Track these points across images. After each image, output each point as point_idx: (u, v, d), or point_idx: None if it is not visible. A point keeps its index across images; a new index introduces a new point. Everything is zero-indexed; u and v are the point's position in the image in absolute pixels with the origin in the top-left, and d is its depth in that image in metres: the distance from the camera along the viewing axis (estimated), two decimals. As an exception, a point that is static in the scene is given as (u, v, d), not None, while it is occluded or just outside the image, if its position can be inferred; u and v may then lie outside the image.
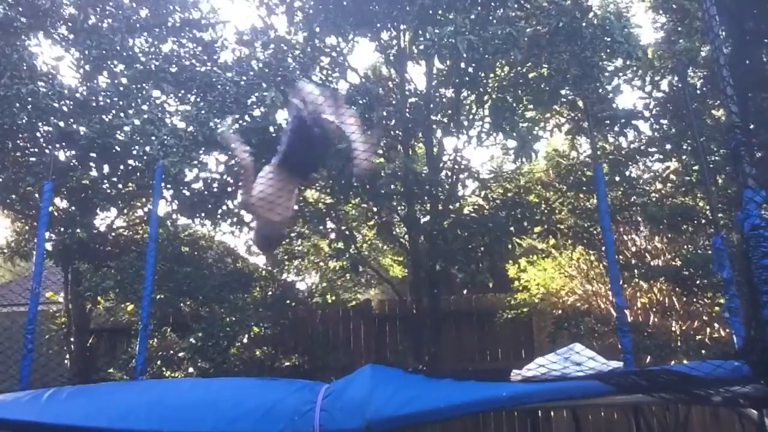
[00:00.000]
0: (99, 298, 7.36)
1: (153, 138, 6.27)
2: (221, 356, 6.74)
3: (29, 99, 6.36)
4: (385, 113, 6.35)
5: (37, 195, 6.88)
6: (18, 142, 7.04)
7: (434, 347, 7.01)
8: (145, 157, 6.48)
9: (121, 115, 6.83)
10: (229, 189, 7.17)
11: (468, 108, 7.22)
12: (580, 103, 6.70)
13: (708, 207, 5.87)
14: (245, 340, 7.33)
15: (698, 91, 6.74)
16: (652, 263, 7.06)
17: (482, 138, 7.24)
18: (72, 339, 7.63)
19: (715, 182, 6.27)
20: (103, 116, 6.66)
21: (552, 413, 7.84)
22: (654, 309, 7.08)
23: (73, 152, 7.01)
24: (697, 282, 6.36)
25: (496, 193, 7.68)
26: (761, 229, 2.59)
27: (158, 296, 6.46)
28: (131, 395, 3.35)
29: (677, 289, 6.67)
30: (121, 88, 7.16)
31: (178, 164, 6.16)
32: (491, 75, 6.98)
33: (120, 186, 7.50)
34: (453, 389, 2.97)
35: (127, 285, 6.59)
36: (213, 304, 6.95)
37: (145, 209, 7.91)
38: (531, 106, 7.04)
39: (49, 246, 7.01)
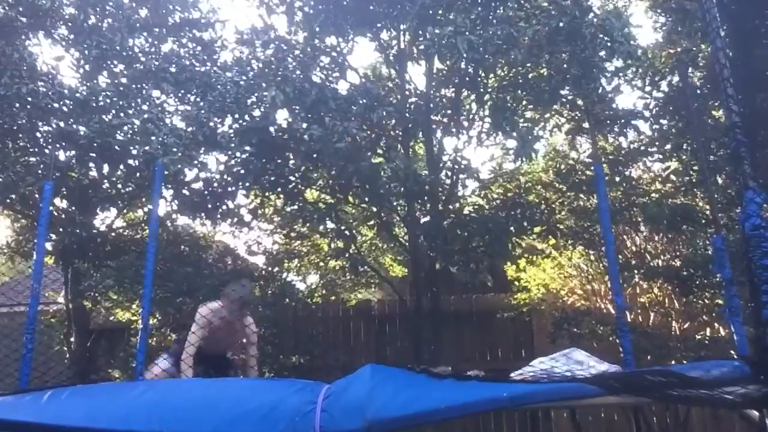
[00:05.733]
0: (99, 297, 7.37)
1: (153, 138, 6.27)
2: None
3: (29, 99, 6.35)
4: (384, 113, 6.35)
5: (37, 195, 6.88)
6: (18, 142, 7.04)
7: (434, 347, 7.01)
8: (144, 157, 6.48)
9: (121, 115, 6.83)
10: (230, 189, 7.17)
11: (468, 108, 7.22)
12: (580, 103, 6.70)
13: (708, 207, 5.87)
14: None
15: (698, 91, 6.72)
16: (652, 263, 7.05)
17: (482, 138, 7.25)
18: (72, 339, 7.63)
19: (715, 182, 6.26)
20: (103, 116, 6.66)
21: (552, 413, 7.84)
22: (654, 309, 7.08)
23: (73, 152, 7.01)
24: (697, 282, 6.36)
25: (496, 193, 7.68)
26: (762, 229, 2.58)
27: (158, 296, 6.46)
28: (132, 396, 3.34)
29: (677, 289, 6.67)
30: (121, 88, 7.16)
31: (178, 162, 6.16)
32: (491, 75, 6.98)
33: (120, 186, 7.50)
34: (454, 390, 2.97)
35: (127, 285, 6.59)
36: (213, 304, 6.94)
37: (145, 209, 7.91)
38: (531, 106, 7.04)
39: (49, 246, 7.01)
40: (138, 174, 7.02)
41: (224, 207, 7.31)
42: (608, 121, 6.85)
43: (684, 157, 6.92)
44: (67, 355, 7.66)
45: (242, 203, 7.55)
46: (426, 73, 7.31)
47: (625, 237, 7.43)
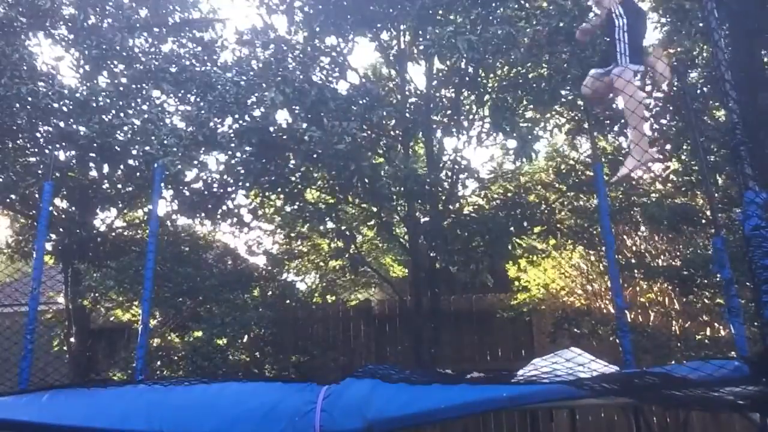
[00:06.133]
0: (99, 297, 7.37)
1: (153, 138, 6.27)
2: (221, 356, 6.74)
3: (29, 99, 6.35)
4: (384, 113, 6.34)
5: (37, 195, 6.88)
6: (18, 142, 7.04)
7: (434, 347, 7.01)
8: (144, 157, 6.47)
9: (121, 115, 6.83)
10: (230, 189, 7.16)
11: (468, 108, 7.21)
12: (580, 103, 6.69)
13: (708, 207, 5.86)
14: (245, 340, 7.34)
15: (698, 91, 6.71)
16: (652, 263, 7.05)
17: (482, 138, 7.24)
18: (72, 339, 7.63)
19: (715, 182, 6.26)
20: (103, 116, 6.66)
21: (553, 413, 7.85)
22: (654, 309, 7.08)
23: (73, 152, 7.02)
24: (697, 282, 6.36)
25: (496, 193, 7.67)
26: (762, 229, 2.58)
27: (158, 296, 6.46)
28: (131, 396, 3.34)
29: (677, 289, 6.67)
30: (121, 88, 7.16)
31: (178, 162, 6.16)
32: (491, 75, 6.98)
33: (120, 186, 7.50)
34: (454, 390, 2.97)
35: (127, 285, 6.59)
36: (213, 304, 6.95)
37: (145, 209, 7.91)
38: (531, 106, 7.04)
39: (49, 246, 7.01)
40: (138, 174, 7.02)
41: (224, 207, 7.31)
42: (608, 121, 6.84)
43: (684, 157, 6.91)
44: (67, 355, 7.66)
45: (242, 203, 7.56)
46: (426, 73, 7.30)
47: (625, 237, 7.43)
